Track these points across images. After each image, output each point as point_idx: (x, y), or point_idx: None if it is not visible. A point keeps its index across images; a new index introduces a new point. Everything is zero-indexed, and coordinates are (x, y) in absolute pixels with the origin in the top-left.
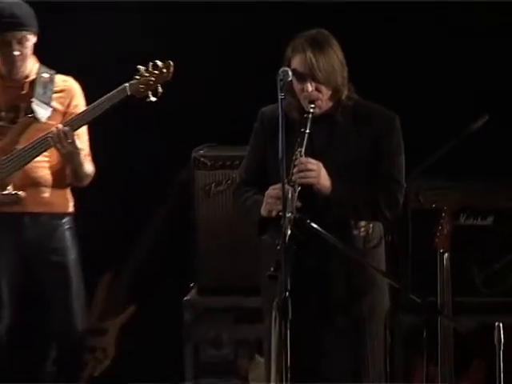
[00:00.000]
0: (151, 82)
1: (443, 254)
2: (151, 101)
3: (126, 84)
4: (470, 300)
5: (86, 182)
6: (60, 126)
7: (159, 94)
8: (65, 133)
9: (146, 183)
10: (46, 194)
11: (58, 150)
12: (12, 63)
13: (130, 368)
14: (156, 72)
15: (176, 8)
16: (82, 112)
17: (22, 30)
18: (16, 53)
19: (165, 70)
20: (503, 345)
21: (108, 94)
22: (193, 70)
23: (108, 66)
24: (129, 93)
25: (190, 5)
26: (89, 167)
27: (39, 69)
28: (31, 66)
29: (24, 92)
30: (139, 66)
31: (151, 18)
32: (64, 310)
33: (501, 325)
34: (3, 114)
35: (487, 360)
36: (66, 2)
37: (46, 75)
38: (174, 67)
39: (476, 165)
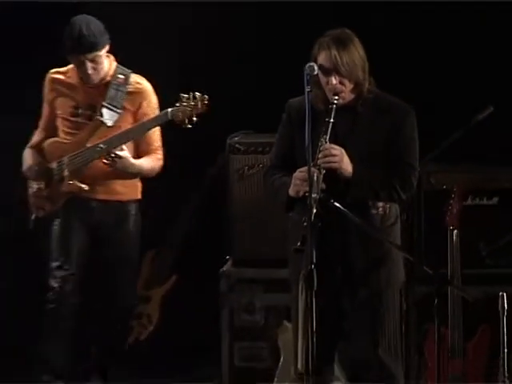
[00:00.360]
0: (189, 112)
1: (453, 230)
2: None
3: (169, 110)
4: (477, 272)
5: (152, 175)
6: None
7: (194, 123)
8: (108, 152)
9: (186, 167)
10: (115, 184)
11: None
12: (88, 77)
13: (172, 333)
14: (193, 103)
15: (212, 4)
16: (124, 131)
17: (92, 51)
18: (90, 71)
19: (200, 103)
20: (506, 311)
21: (150, 118)
22: (231, 66)
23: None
24: (170, 118)
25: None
26: (148, 164)
27: (116, 70)
28: (107, 68)
29: (100, 93)
30: (181, 94)
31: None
32: (127, 284)
33: (504, 294)
34: (81, 111)
35: (492, 325)
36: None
37: (121, 76)
38: (217, 62)
39: (482, 150)
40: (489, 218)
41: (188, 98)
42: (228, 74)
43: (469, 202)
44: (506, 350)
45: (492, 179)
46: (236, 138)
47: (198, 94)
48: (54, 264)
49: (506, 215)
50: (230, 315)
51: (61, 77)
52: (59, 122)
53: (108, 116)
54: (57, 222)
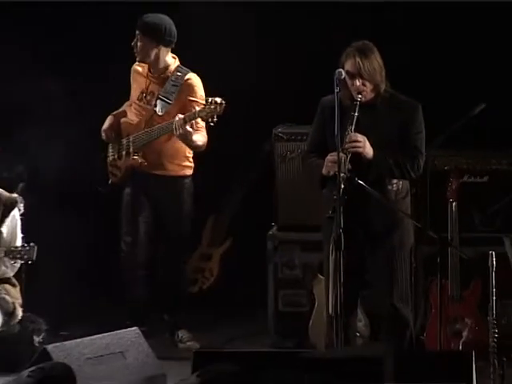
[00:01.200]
0: (210, 114)
1: (452, 202)
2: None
3: (198, 108)
4: (471, 235)
5: (201, 149)
6: (178, 117)
7: (214, 122)
8: (179, 124)
9: (240, 152)
10: (166, 162)
11: (174, 133)
12: (152, 66)
13: (228, 284)
14: (213, 107)
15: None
16: (169, 122)
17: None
18: (154, 63)
19: (219, 107)
20: (494, 267)
21: (186, 114)
22: (276, 67)
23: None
24: (197, 116)
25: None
26: (199, 139)
27: (176, 68)
28: (169, 64)
29: (160, 84)
30: (207, 98)
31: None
32: (180, 242)
33: (493, 253)
34: (144, 96)
35: (483, 278)
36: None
37: (179, 74)
38: (264, 62)
39: (476, 138)
40: (480, 192)
41: (211, 103)
42: (274, 76)
43: (465, 179)
44: (494, 298)
45: (483, 162)
46: (280, 129)
47: (218, 99)
48: (124, 229)
49: (493, 190)
50: (274, 270)
51: (138, 68)
52: (132, 104)
53: (160, 106)
54: (127, 191)
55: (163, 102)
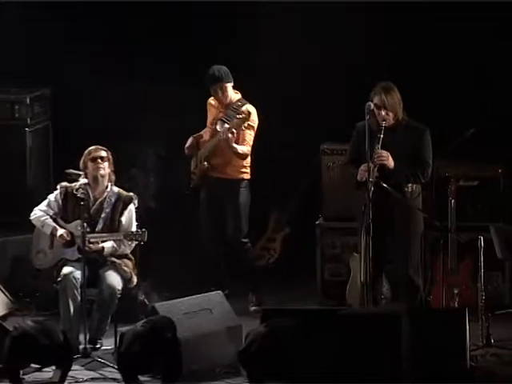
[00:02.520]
0: (241, 122)
1: (451, 200)
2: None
3: (239, 116)
4: (466, 224)
5: (243, 157)
6: (224, 127)
7: (245, 126)
8: (224, 131)
9: (297, 163)
10: (226, 167)
11: (219, 138)
12: (219, 100)
13: (288, 260)
14: (245, 116)
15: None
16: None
17: (220, 83)
18: (222, 98)
19: (248, 116)
20: (482, 248)
21: (230, 124)
22: (322, 98)
23: None
24: (236, 125)
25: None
26: (242, 149)
27: (238, 100)
28: (233, 97)
29: (224, 112)
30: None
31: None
32: (239, 228)
33: (481, 237)
34: (215, 122)
35: (474, 255)
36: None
37: (239, 103)
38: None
39: (469, 152)
40: (472, 193)
41: (244, 112)
42: (322, 104)
43: (461, 183)
44: (482, 270)
45: (474, 170)
46: (325, 145)
47: (249, 107)
48: (202, 220)
49: (481, 191)
50: (321, 249)
51: (212, 101)
52: (207, 128)
53: (220, 125)
54: (201, 193)
55: (225, 124)
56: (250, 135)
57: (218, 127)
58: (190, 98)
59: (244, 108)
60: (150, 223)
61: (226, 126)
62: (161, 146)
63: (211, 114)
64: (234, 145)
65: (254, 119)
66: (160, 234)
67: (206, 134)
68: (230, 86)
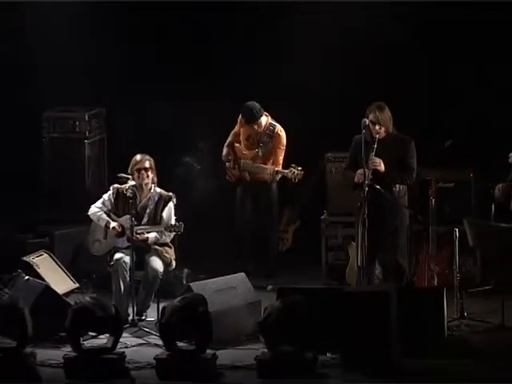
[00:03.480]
0: (293, 177)
1: (432, 199)
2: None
3: (285, 172)
4: (443, 219)
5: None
6: (272, 167)
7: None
8: (272, 172)
9: (305, 168)
10: (259, 176)
11: (266, 174)
12: (256, 133)
13: (298, 248)
14: (296, 172)
15: None
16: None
17: (255, 121)
18: (259, 130)
19: (299, 174)
20: (458, 239)
21: (280, 170)
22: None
23: None
24: (286, 175)
25: None
26: (272, 169)
27: (269, 123)
28: (265, 122)
29: (260, 134)
30: (292, 165)
31: None
32: (271, 223)
33: (457, 230)
34: (250, 139)
35: (450, 245)
36: None
37: (271, 128)
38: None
39: (446, 159)
40: (448, 193)
41: (295, 169)
42: (321, 120)
43: (440, 185)
44: (457, 256)
45: (450, 174)
46: (329, 154)
47: (299, 168)
48: (236, 212)
49: (457, 192)
50: (325, 239)
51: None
52: (242, 140)
53: (261, 152)
54: (238, 189)
55: (263, 149)
56: (281, 156)
57: (260, 153)
58: (224, 112)
59: (277, 131)
60: (186, 216)
61: (273, 167)
62: (204, 145)
63: (246, 131)
64: (276, 177)
65: (284, 142)
66: (194, 224)
67: (242, 146)
68: (263, 118)
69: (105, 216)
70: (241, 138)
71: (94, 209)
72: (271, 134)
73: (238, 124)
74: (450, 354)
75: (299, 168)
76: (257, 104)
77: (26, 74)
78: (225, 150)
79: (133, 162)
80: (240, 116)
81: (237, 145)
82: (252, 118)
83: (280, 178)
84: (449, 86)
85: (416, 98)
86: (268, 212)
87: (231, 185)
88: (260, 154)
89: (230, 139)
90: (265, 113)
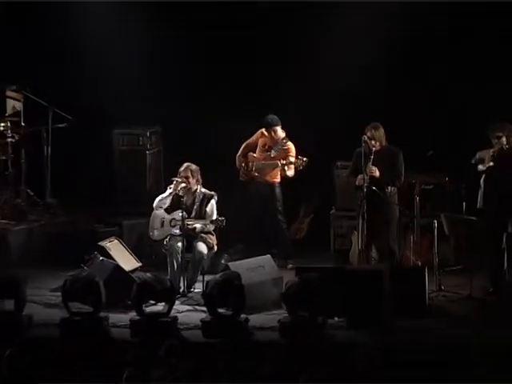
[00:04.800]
0: (299, 165)
1: (416, 198)
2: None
3: (292, 159)
4: (425, 213)
5: (289, 177)
6: (282, 161)
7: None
8: (282, 164)
9: (319, 174)
10: (267, 176)
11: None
12: (272, 137)
13: (312, 236)
14: (300, 162)
15: None
16: (274, 161)
17: (273, 127)
18: (274, 136)
19: (304, 163)
20: (436, 231)
21: (288, 161)
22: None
23: None
24: (294, 165)
25: None
26: (290, 173)
27: (283, 137)
28: (281, 135)
29: (274, 143)
30: (299, 157)
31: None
32: (277, 215)
33: (436, 221)
34: (266, 146)
35: (430, 236)
36: None
37: (284, 141)
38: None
39: (428, 166)
40: (429, 193)
41: (300, 159)
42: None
43: (422, 186)
44: (436, 242)
45: (430, 178)
46: (339, 162)
47: (305, 158)
48: (252, 206)
49: (435, 192)
50: (334, 229)
51: (264, 132)
52: (258, 148)
53: (273, 154)
54: (249, 188)
55: (275, 152)
56: (291, 159)
57: (271, 154)
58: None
59: (289, 144)
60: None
61: (283, 161)
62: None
63: (263, 141)
64: (287, 173)
65: (293, 153)
66: (230, 218)
67: (257, 153)
68: (279, 127)
69: (162, 210)
70: (258, 147)
71: (155, 204)
72: (284, 145)
73: (256, 135)
74: (430, 317)
75: (304, 158)
76: (276, 116)
77: (101, 98)
78: (238, 159)
79: (180, 170)
80: (260, 129)
81: (250, 153)
82: (272, 123)
83: (292, 174)
84: (429, 110)
85: (405, 119)
86: (273, 206)
87: (244, 184)
88: (271, 155)
89: (241, 150)
90: (282, 129)
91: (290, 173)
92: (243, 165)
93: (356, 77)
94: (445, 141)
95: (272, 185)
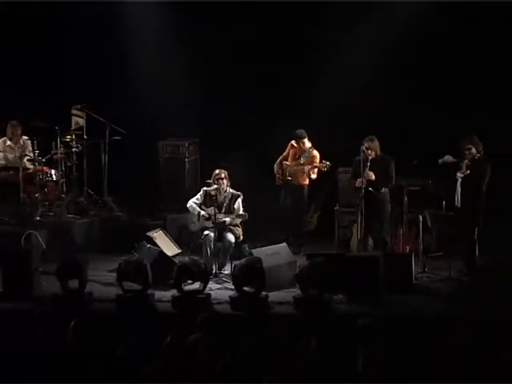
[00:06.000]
0: (323, 168)
1: (405, 197)
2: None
3: (318, 164)
4: (412, 210)
5: (313, 179)
6: (308, 167)
7: (324, 170)
8: (308, 169)
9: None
10: (298, 178)
11: (304, 171)
12: (301, 147)
13: (320, 228)
14: (325, 165)
15: None
16: (303, 167)
17: (302, 139)
18: (302, 146)
19: (327, 166)
20: (422, 224)
21: (313, 166)
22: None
23: None
24: (319, 167)
25: None
26: (313, 176)
27: (310, 147)
28: (307, 145)
29: (302, 153)
30: (323, 161)
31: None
32: (301, 212)
33: (421, 216)
34: (297, 156)
35: (416, 228)
36: None
37: (310, 150)
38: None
39: (414, 171)
40: (415, 194)
41: (324, 163)
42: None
43: (410, 188)
44: (421, 233)
45: (416, 181)
46: (340, 169)
47: (328, 162)
48: (281, 202)
49: (421, 192)
50: (338, 222)
51: (294, 144)
52: (290, 156)
53: (302, 160)
54: (282, 190)
55: (303, 159)
56: (315, 164)
57: (301, 160)
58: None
59: (314, 152)
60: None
61: (309, 166)
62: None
63: (294, 151)
64: (312, 176)
65: (318, 159)
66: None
67: (290, 161)
68: (306, 139)
69: (197, 207)
70: (289, 156)
71: (191, 203)
72: (310, 153)
73: (289, 147)
74: (416, 294)
75: (327, 162)
76: (303, 130)
77: (149, 115)
78: (276, 166)
79: (213, 174)
80: (291, 141)
81: (284, 162)
82: (301, 136)
83: (315, 176)
84: (416, 127)
85: (396, 134)
86: (300, 204)
87: (277, 187)
88: (301, 162)
89: (279, 159)
90: (308, 140)
91: (314, 176)
92: (280, 171)
93: (355, 97)
94: (428, 152)
95: (302, 187)
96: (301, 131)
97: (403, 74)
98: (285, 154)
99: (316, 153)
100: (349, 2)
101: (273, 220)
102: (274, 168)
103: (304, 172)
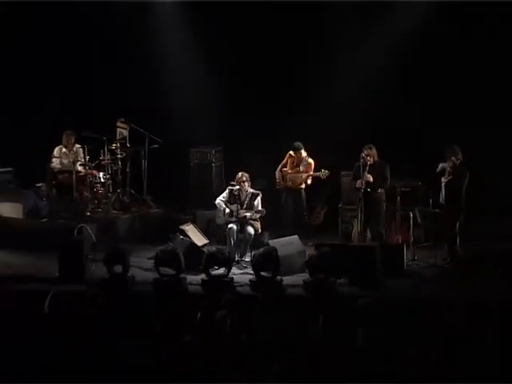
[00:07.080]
0: (322, 176)
1: (398, 197)
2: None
3: (317, 173)
4: (404, 207)
5: (309, 183)
6: (304, 175)
7: (325, 179)
8: (305, 177)
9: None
10: (296, 183)
11: (301, 179)
12: (298, 157)
13: (325, 223)
14: (324, 173)
15: None
16: (300, 174)
17: (299, 150)
18: (300, 157)
19: (326, 174)
20: (412, 219)
21: (311, 174)
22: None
23: None
24: (318, 176)
25: None
26: (308, 182)
27: (306, 156)
28: (304, 155)
29: (299, 161)
30: (322, 169)
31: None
32: (302, 211)
33: (411, 213)
34: (294, 164)
35: (408, 223)
36: None
37: (307, 158)
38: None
39: (406, 174)
40: (407, 194)
41: (323, 172)
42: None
43: (402, 189)
44: (412, 227)
45: (408, 183)
46: (343, 172)
47: (326, 171)
48: (283, 202)
49: (411, 193)
50: (341, 218)
51: (292, 154)
52: (288, 165)
53: (301, 168)
54: (283, 193)
55: (302, 167)
56: (311, 172)
57: (300, 168)
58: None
59: (310, 160)
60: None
61: (306, 174)
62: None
63: (292, 160)
64: (308, 181)
65: (312, 167)
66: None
67: (289, 168)
68: (302, 150)
69: (223, 204)
70: (288, 164)
71: (218, 200)
72: (306, 162)
73: (287, 156)
74: (407, 278)
75: (326, 170)
76: (300, 143)
77: (181, 127)
78: (277, 173)
79: (236, 176)
80: (289, 152)
81: (284, 169)
82: (299, 148)
83: (310, 182)
84: (408, 137)
85: (391, 143)
86: (300, 204)
87: (278, 191)
88: (300, 169)
89: (279, 167)
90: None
91: (309, 181)
92: (281, 177)
93: (356, 110)
94: (418, 157)
95: (300, 190)
96: (298, 143)
97: (403, 75)
98: (283, 162)
99: (311, 160)
100: (350, 3)
101: (281, 217)
102: (275, 174)
103: (302, 178)
